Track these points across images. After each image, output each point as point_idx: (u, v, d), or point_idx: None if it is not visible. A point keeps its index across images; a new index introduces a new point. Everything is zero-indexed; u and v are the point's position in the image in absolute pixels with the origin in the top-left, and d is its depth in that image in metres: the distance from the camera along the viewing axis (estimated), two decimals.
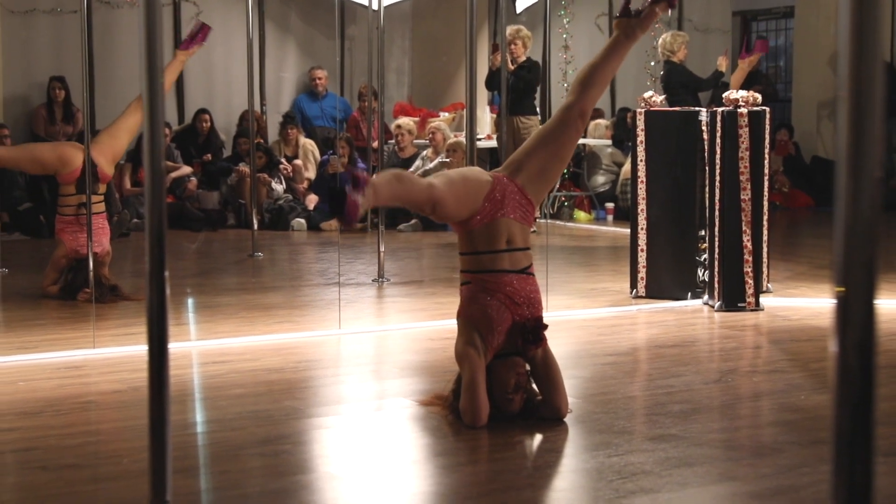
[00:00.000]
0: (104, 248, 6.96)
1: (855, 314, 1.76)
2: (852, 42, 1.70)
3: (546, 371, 4.19)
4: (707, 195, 6.85)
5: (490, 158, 12.22)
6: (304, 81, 13.37)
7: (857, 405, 1.77)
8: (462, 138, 10.49)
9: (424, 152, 11.68)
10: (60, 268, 7.00)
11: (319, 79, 13.03)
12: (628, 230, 7.30)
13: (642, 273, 7.06)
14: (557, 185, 12.43)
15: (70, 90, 11.29)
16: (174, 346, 5.05)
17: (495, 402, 4.12)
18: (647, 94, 7.21)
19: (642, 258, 7.06)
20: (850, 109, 1.71)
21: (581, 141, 12.62)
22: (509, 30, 10.53)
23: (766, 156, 6.97)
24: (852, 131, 1.72)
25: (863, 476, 1.78)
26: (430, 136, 11.61)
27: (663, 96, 7.46)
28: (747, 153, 6.58)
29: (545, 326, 4.18)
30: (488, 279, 4.16)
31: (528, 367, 4.20)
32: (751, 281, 6.60)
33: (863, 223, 1.74)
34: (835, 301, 1.78)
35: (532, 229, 4.35)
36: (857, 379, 1.76)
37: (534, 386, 4.22)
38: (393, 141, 11.91)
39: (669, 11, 4.56)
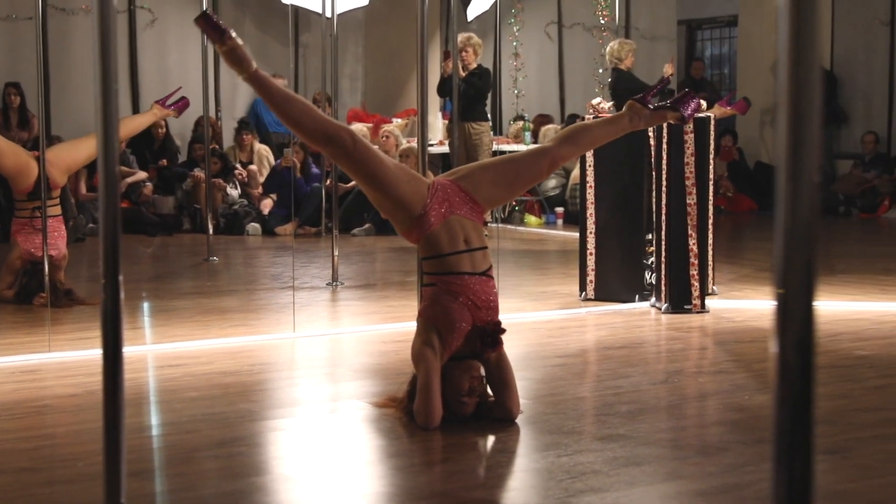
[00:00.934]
0: (60, 251, 6.89)
1: (794, 315, 1.77)
2: (790, 50, 1.72)
3: (500, 373, 4.19)
4: (654, 199, 6.89)
5: (442, 164, 12.24)
6: None
7: (796, 404, 1.78)
8: (414, 144, 10.49)
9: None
10: (15, 270, 6.92)
11: None
12: (577, 234, 7.32)
13: (591, 276, 7.08)
14: None
15: (25, 96, 11.18)
16: (129, 350, 5.02)
17: (449, 404, 4.12)
18: (595, 101, 7.26)
19: (591, 261, 7.08)
20: (788, 115, 1.73)
21: (531, 147, 12.66)
22: (460, 37, 10.54)
23: (711, 161, 7.02)
24: (791, 137, 1.73)
25: (803, 473, 1.79)
26: (384, 140, 11.60)
27: (611, 103, 7.51)
28: (693, 158, 6.62)
29: (503, 331, 4.18)
30: (453, 281, 4.15)
31: (482, 370, 4.21)
32: (696, 283, 6.64)
33: (802, 226, 1.76)
34: (775, 302, 1.80)
35: (484, 233, 4.35)
36: (797, 378, 1.78)
37: (487, 388, 4.23)
38: None
39: (675, 121, 4.67)
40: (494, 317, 4.19)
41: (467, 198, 4.25)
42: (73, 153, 7.09)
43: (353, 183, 11.30)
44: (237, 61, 4.11)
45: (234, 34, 4.06)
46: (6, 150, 6.91)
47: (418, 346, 4.14)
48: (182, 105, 7.58)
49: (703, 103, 5.24)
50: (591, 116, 7.12)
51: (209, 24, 4.04)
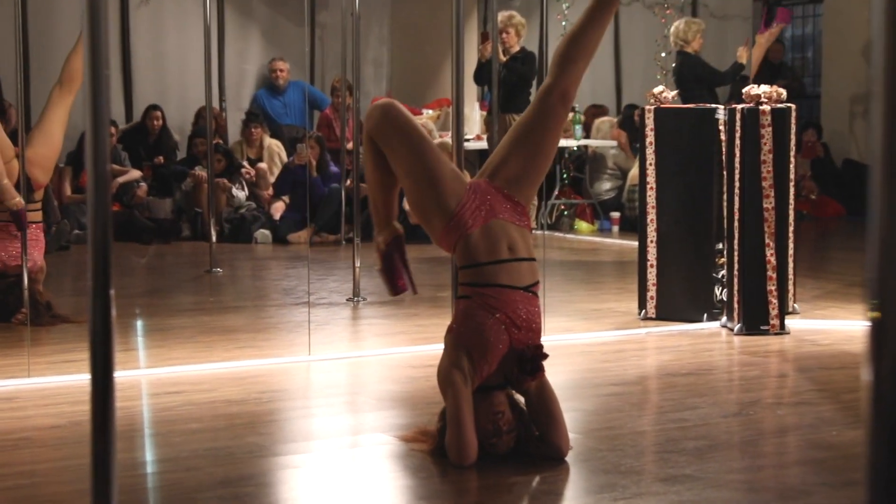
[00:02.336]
0: (36, 263, 6.87)
1: (891, 337, 1.76)
2: (887, 29, 1.71)
3: (543, 405, 4.18)
4: (725, 204, 6.87)
5: (479, 161, 12.23)
6: (265, 74, 13.37)
7: (893, 441, 1.77)
8: (448, 139, 10.50)
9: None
10: None
11: (281, 71, 13.03)
12: (636, 243, 7.30)
13: (652, 292, 7.06)
14: (556, 192, 12.46)
15: (2, 83, 11.27)
16: (121, 375, 5.03)
17: (480, 445, 4.11)
18: (657, 90, 7.23)
19: (652, 275, 7.07)
20: (884, 106, 1.72)
21: (583, 142, 12.66)
22: (501, 16, 10.55)
23: (792, 159, 6.99)
24: (887, 130, 1.72)
25: None
26: None
27: (675, 91, 7.49)
28: (770, 156, 6.59)
29: (545, 356, 4.17)
30: (490, 294, 4.15)
31: (516, 400, 4.19)
32: (775, 301, 6.61)
33: None
34: (869, 324, 1.78)
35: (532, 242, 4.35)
36: (894, 411, 1.76)
37: (528, 420, 4.21)
38: None
39: None
40: (536, 339, 4.18)
41: (507, 197, 4.25)
42: (48, 147, 7.02)
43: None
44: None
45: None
46: None
47: (445, 369, 4.13)
48: None
49: None
50: (652, 108, 7.11)
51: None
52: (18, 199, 6.64)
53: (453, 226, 4.18)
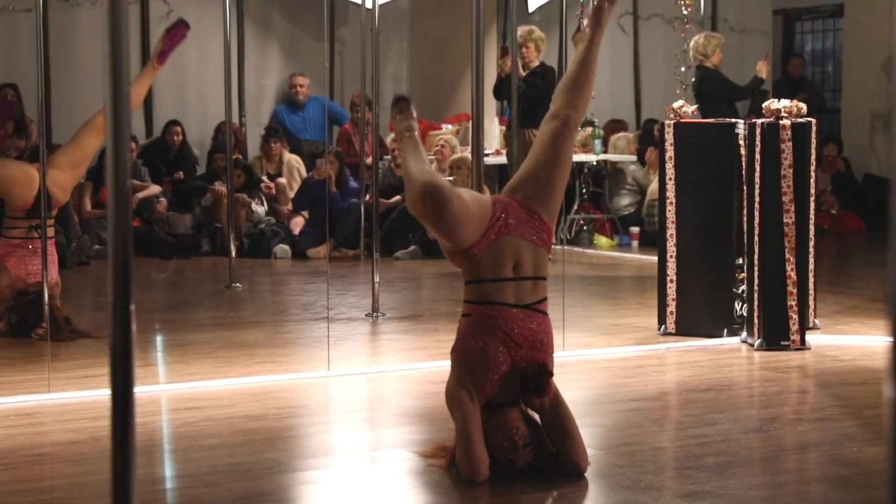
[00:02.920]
0: (52, 278, 6.89)
1: None
2: None
3: (557, 421, 4.16)
4: (745, 218, 6.85)
5: (499, 176, 12.24)
6: (285, 90, 13.40)
7: None
8: (467, 154, 10.51)
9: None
10: (5, 300, 6.93)
11: (301, 86, 13.06)
12: (655, 258, 7.29)
13: (672, 307, 7.05)
14: (575, 207, 12.45)
15: (23, 98, 11.32)
16: (140, 390, 5.05)
17: (498, 463, 4.10)
18: (676, 104, 7.23)
19: (671, 290, 7.05)
20: None
21: (602, 157, 12.65)
22: (521, 31, 10.56)
23: (812, 173, 6.98)
24: None
25: None
26: (437, 150, 11.59)
27: (695, 106, 7.48)
28: (790, 171, 6.58)
29: (549, 374, 4.14)
30: (489, 313, 4.15)
31: (530, 416, 4.18)
32: (795, 316, 6.59)
33: None
34: (890, 339, 1.78)
35: (548, 259, 4.34)
36: None
37: (544, 435, 4.20)
38: (389, 156, 11.92)
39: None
40: (542, 357, 4.15)
41: (530, 215, 4.24)
42: (75, 170, 7.10)
43: (396, 198, 11.33)
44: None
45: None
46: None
47: (452, 388, 4.15)
48: (176, 35, 7.11)
49: None
50: (672, 123, 7.10)
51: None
52: None
53: (468, 248, 4.19)
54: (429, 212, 4.14)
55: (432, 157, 11.71)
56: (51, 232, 7.02)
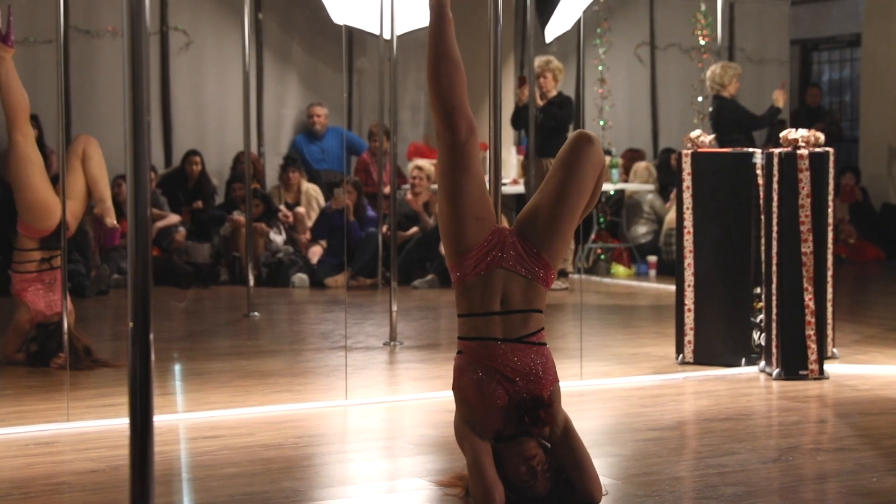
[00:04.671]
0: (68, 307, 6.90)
1: None
2: None
3: (568, 452, 4.14)
4: (763, 248, 6.84)
5: (516, 205, 12.24)
6: (303, 119, 13.44)
7: None
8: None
9: None
10: (24, 333, 6.92)
11: (318, 116, 13.09)
12: (673, 287, 7.28)
13: (689, 336, 7.03)
14: (593, 236, 12.45)
15: (43, 129, 11.36)
16: (159, 419, 5.04)
17: (516, 490, 4.08)
18: (694, 134, 7.23)
19: (689, 319, 7.04)
20: None
21: (620, 186, 12.65)
22: (538, 61, 10.58)
23: (830, 203, 6.97)
24: None
25: None
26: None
27: (712, 136, 7.48)
28: (808, 200, 6.57)
29: (545, 406, 4.08)
30: (478, 350, 4.13)
31: (546, 445, 4.17)
32: (813, 345, 6.57)
33: None
34: None
35: (564, 286, 4.32)
36: None
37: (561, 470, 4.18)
38: (407, 186, 11.95)
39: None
40: (538, 390, 4.11)
41: (526, 250, 4.20)
42: (86, 200, 7.13)
43: (413, 230, 11.34)
44: None
45: None
46: (37, 175, 6.83)
47: (459, 424, 4.15)
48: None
49: None
50: (689, 153, 7.10)
51: None
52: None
53: (457, 263, 4.16)
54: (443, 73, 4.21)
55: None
56: (58, 262, 7.02)
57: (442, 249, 4.32)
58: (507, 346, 4.12)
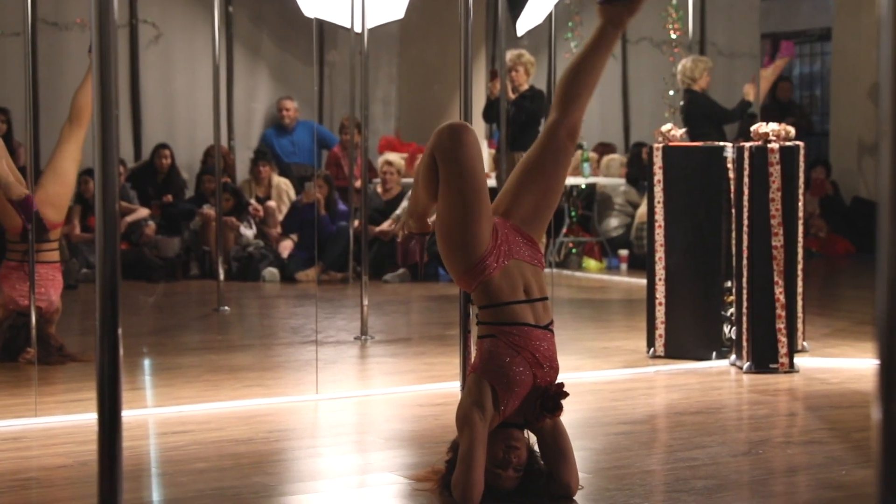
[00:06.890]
0: (52, 304, 6.87)
1: None
2: (894, 68, 1.71)
3: (555, 441, 4.17)
4: (734, 241, 6.87)
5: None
6: (273, 113, 13.42)
7: None
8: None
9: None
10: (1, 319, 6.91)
11: (287, 110, 13.08)
12: (644, 281, 7.30)
13: (661, 330, 7.05)
14: (564, 230, 12.47)
15: (12, 122, 11.31)
16: (128, 414, 5.03)
17: (487, 469, 4.08)
18: (665, 128, 7.24)
19: (660, 313, 7.06)
20: (892, 145, 1.72)
21: (591, 180, 12.67)
22: (509, 55, 10.59)
23: (801, 197, 6.99)
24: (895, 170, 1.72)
25: None
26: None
27: (683, 129, 7.49)
28: (779, 194, 6.60)
29: (566, 395, 4.15)
30: (514, 332, 4.13)
31: (529, 440, 4.18)
32: (784, 339, 6.60)
33: None
34: (878, 362, 1.78)
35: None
36: None
37: (541, 461, 4.19)
38: (378, 179, 11.95)
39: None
40: (555, 377, 4.18)
41: (522, 235, 4.25)
42: (61, 187, 7.02)
43: (384, 225, 11.34)
44: None
45: None
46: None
47: (466, 407, 4.10)
48: None
49: None
50: (661, 146, 7.12)
51: None
52: (22, 189, 6.55)
53: (476, 271, 4.15)
54: (448, 135, 4.15)
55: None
56: (55, 256, 6.98)
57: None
58: (539, 332, 4.16)
